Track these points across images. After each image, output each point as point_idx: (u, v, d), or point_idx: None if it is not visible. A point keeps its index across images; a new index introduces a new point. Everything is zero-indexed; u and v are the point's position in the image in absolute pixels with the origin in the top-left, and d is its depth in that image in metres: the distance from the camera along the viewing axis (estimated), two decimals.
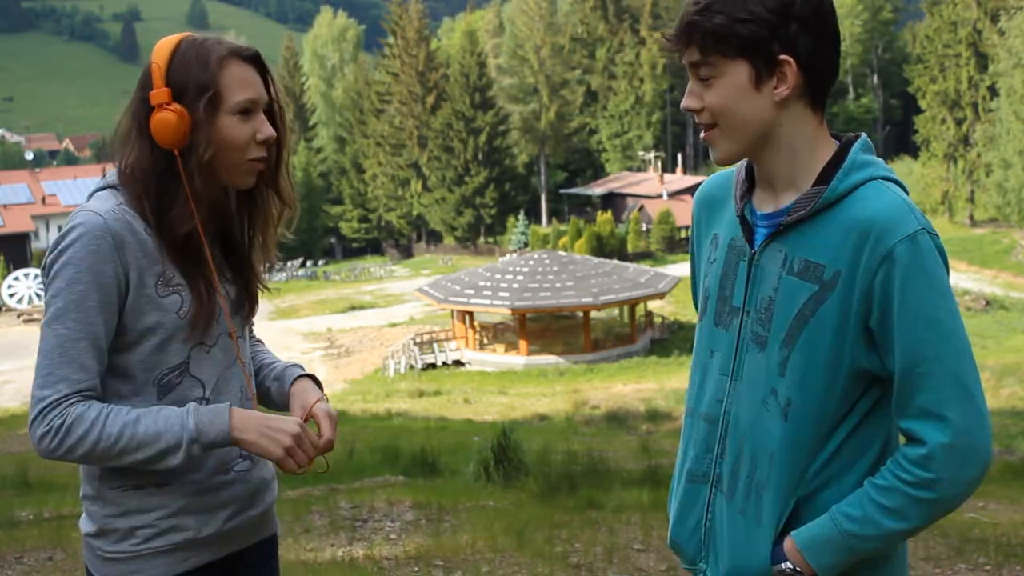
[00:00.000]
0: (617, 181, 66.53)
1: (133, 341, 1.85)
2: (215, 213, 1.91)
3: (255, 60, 1.92)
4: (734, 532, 1.75)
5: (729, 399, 1.77)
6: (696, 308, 1.94)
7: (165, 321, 1.85)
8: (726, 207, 1.85)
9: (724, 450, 1.77)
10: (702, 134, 1.75)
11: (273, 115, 1.94)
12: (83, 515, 1.94)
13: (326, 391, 2.10)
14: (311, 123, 73.86)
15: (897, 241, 1.61)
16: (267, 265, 2.06)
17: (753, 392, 1.73)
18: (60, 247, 1.80)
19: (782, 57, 1.65)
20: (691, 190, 60.28)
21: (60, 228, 1.80)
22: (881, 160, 1.74)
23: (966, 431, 1.62)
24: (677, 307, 38.39)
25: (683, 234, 56.00)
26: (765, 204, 1.77)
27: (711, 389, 1.81)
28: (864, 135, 1.76)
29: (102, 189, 1.89)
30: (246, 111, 1.88)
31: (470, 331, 33.49)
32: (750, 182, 1.81)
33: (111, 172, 1.92)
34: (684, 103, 1.73)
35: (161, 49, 1.87)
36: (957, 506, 1.69)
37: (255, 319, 2.11)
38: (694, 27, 1.66)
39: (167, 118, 1.82)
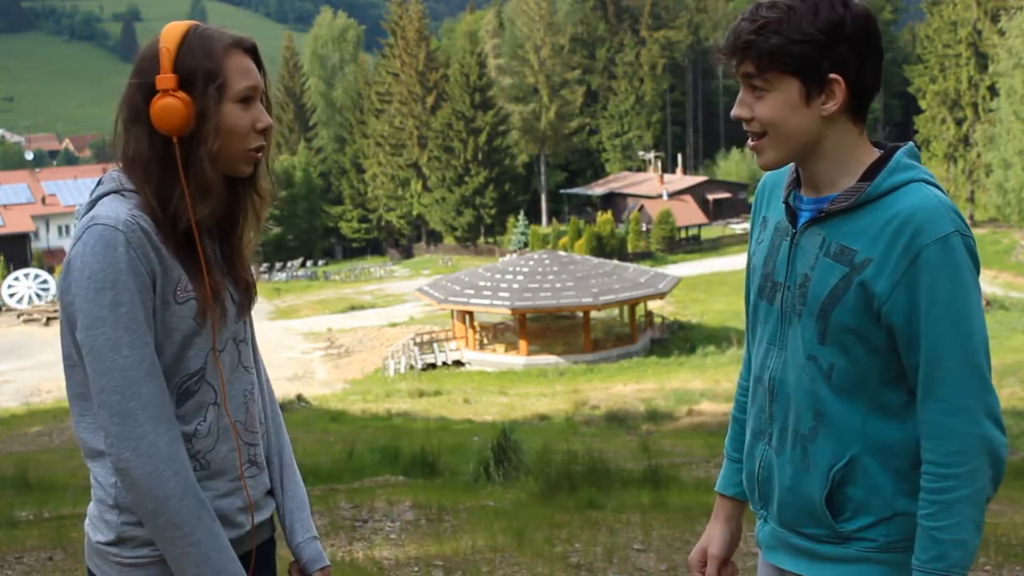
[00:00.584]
0: (617, 181, 66.54)
1: (157, 349, 1.82)
2: (219, 204, 1.89)
3: (253, 51, 1.91)
4: (784, 478, 1.90)
5: (775, 366, 1.91)
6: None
7: (184, 327, 1.83)
8: (777, 194, 1.98)
9: (773, 412, 1.92)
10: (750, 142, 1.86)
11: (267, 106, 1.94)
12: (94, 525, 1.90)
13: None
14: (311, 123, 73.83)
15: (930, 242, 1.71)
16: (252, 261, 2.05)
17: (796, 358, 1.86)
18: (88, 268, 1.74)
19: (832, 76, 1.76)
20: (691, 190, 60.36)
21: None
22: (924, 167, 1.84)
23: (985, 419, 1.75)
24: (677, 307, 38.39)
25: (683, 234, 56.02)
26: (810, 194, 1.90)
27: (762, 356, 1.96)
28: (911, 143, 1.87)
29: (106, 195, 1.85)
30: (246, 99, 1.87)
31: (470, 331, 33.49)
32: (798, 175, 1.94)
33: (111, 174, 1.88)
34: (735, 112, 1.84)
35: (171, 34, 1.84)
36: (992, 491, 1.79)
37: (254, 323, 2.09)
38: (750, 46, 1.76)
39: (173, 105, 1.79)
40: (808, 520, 1.87)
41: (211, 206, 1.86)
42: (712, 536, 2.11)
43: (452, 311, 34.14)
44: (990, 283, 42.44)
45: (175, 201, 1.82)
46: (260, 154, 1.91)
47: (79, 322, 1.76)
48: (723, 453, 2.18)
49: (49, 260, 57.76)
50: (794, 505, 1.89)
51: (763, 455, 1.95)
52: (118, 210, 1.80)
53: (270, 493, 2.05)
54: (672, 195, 58.88)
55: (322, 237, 68.83)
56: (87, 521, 1.93)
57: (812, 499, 1.85)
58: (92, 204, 1.85)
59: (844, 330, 1.78)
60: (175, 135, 1.81)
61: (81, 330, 1.76)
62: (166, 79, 1.81)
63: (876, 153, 1.84)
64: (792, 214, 1.89)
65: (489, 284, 32.73)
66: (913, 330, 1.74)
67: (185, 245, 1.85)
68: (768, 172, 2.02)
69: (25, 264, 53.87)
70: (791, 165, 1.95)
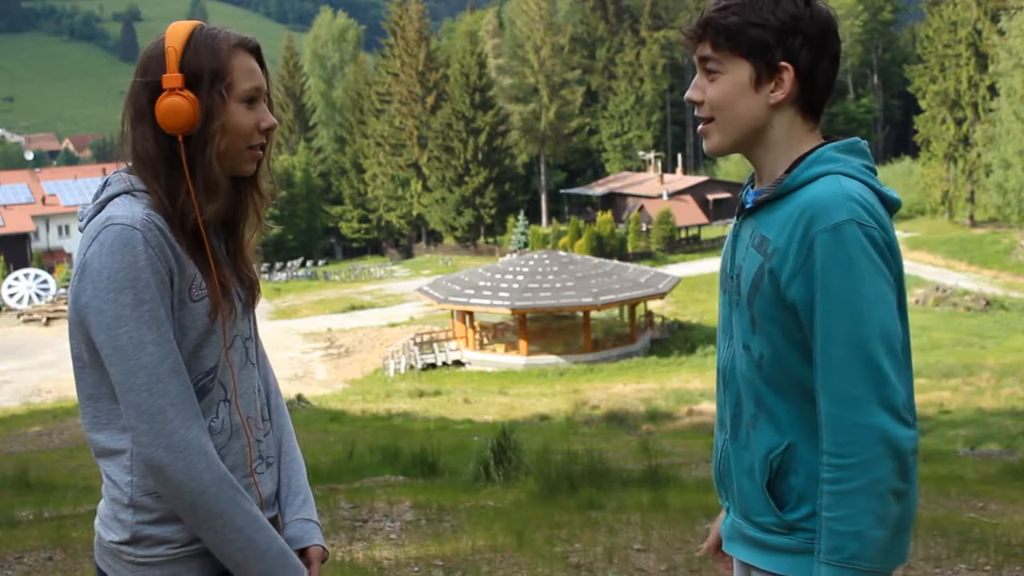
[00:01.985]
0: (617, 181, 66.54)
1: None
2: (225, 202, 1.90)
3: (257, 51, 1.92)
4: (739, 466, 1.94)
5: (726, 355, 1.97)
6: None
7: (199, 325, 1.84)
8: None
9: (726, 399, 1.98)
10: (700, 127, 1.93)
11: (269, 106, 1.95)
12: (107, 524, 1.90)
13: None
14: (311, 123, 73.83)
15: (821, 230, 1.74)
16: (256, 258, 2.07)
17: (739, 346, 1.92)
18: (107, 268, 1.74)
19: (782, 64, 1.83)
20: (691, 190, 60.32)
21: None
22: (859, 161, 1.85)
23: (879, 410, 1.72)
24: (677, 307, 38.39)
25: (683, 234, 56.01)
26: (758, 187, 1.97)
27: (719, 347, 2.02)
28: (856, 138, 1.89)
29: (116, 195, 1.84)
30: (251, 100, 1.88)
31: (470, 331, 33.49)
32: None
33: (119, 175, 1.88)
34: (688, 94, 1.92)
35: (176, 33, 1.85)
36: (898, 483, 1.74)
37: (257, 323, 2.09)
38: (710, 23, 1.85)
39: (179, 104, 1.80)
40: (757, 508, 1.91)
41: (219, 205, 1.87)
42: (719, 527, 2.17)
43: (452, 311, 34.14)
44: (990, 283, 42.45)
45: (182, 199, 1.83)
46: (261, 152, 1.92)
47: (99, 323, 1.75)
48: None
49: (49, 260, 57.78)
50: (747, 494, 1.92)
51: (723, 445, 1.99)
52: (133, 209, 1.80)
53: (276, 489, 2.06)
54: (672, 195, 58.87)
55: (322, 237, 68.83)
56: (97, 520, 1.93)
57: (755, 486, 1.90)
58: (102, 205, 1.84)
59: (765, 319, 1.83)
60: (180, 134, 1.82)
61: (102, 331, 1.76)
62: (172, 78, 1.81)
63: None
64: (743, 209, 1.96)
65: (489, 284, 32.73)
66: (810, 317, 1.77)
67: (195, 243, 1.85)
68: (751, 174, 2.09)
69: (25, 264, 53.88)
70: None
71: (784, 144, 1.87)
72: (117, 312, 1.74)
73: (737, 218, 1.97)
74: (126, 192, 1.85)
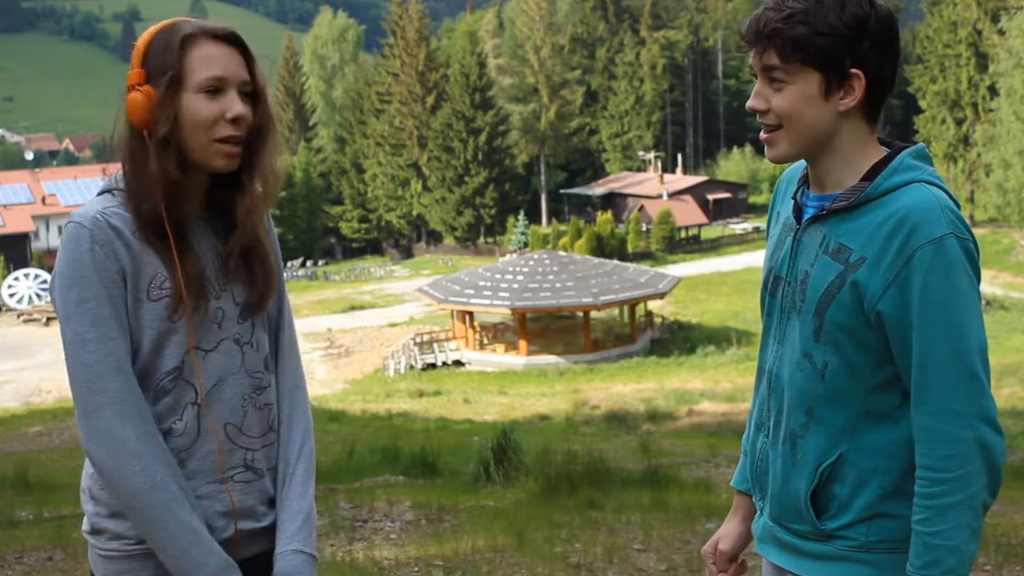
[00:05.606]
0: (617, 181, 66.54)
1: (134, 345, 1.83)
2: (185, 199, 1.87)
3: (230, 40, 1.88)
4: (775, 472, 1.93)
5: (775, 360, 1.93)
6: None
7: (157, 324, 1.82)
8: (792, 189, 2.00)
9: (771, 405, 1.94)
10: (763, 134, 1.86)
11: (257, 99, 1.90)
12: (85, 514, 1.94)
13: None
14: (311, 123, 73.81)
15: (924, 243, 1.70)
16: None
17: (792, 354, 1.88)
18: (59, 265, 1.80)
19: (853, 71, 1.77)
20: (691, 190, 60.34)
21: (60, 228, 1.78)
22: (931, 168, 1.84)
23: (980, 424, 1.72)
24: (677, 307, 38.38)
25: (683, 234, 56.01)
26: (816, 191, 1.91)
27: (766, 350, 1.98)
28: (921, 144, 1.86)
29: (100, 193, 1.88)
30: (213, 89, 1.84)
31: (470, 331, 33.48)
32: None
33: (116, 174, 1.90)
34: (751, 103, 1.84)
35: (148, 31, 1.89)
36: (989, 496, 1.77)
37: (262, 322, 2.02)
38: (776, 33, 1.76)
39: (135, 99, 1.83)
40: (794, 515, 1.90)
41: (178, 200, 1.85)
42: (724, 532, 2.14)
43: (452, 311, 34.13)
44: (990, 283, 42.42)
45: (149, 195, 1.83)
46: (234, 146, 1.87)
47: (58, 317, 1.80)
48: (722, 453, 2.20)
49: (49, 260, 57.76)
50: (782, 499, 1.91)
51: (762, 447, 1.97)
52: (92, 207, 1.83)
53: (272, 502, 2.00)
54: (672, 195, 58.87)
55: (322, 237, 68.81)
56: None
57: (798, 494, 1.87)
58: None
59: (838, 329, 1.78)
60: (142, 129, 1.84)
61: (60, 324, 1.80)
62: (133, 75, 1.85)
63: (883, 153, 1.84)
64: (798, 210, 1.91)
65: (489, 284, 32.72)
66: (905, 332, 1.73)
67: (164, 240, 1.84)
68: (788, 167, 2.03)
69: (25, 264, 53.85)
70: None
71: (848, 150, 1.82)
72: (66, 308, 1.79)
73: (794, 220, 1.90)
74: (107, 190, 1.88)
